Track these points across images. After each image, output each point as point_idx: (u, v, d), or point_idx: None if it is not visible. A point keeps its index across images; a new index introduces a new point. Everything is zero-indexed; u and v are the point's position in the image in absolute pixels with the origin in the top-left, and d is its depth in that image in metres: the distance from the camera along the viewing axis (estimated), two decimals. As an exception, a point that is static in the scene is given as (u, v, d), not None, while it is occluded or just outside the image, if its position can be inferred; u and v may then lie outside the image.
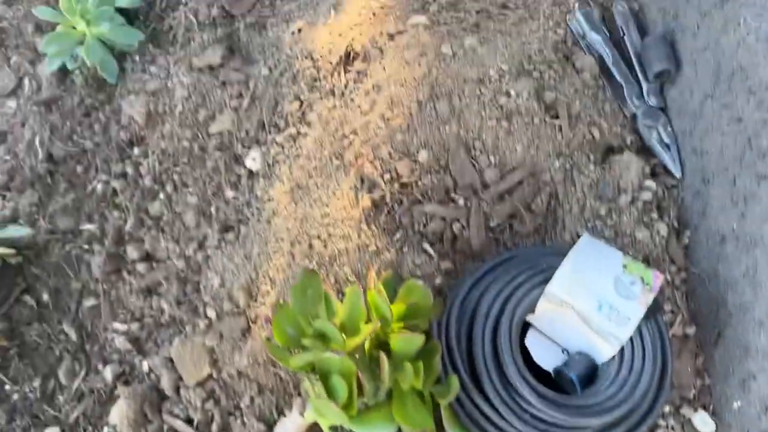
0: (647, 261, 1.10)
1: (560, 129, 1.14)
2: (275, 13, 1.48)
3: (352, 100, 1.26)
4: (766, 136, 0.96)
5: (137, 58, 1.53)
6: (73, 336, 1.34)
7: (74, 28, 1.48)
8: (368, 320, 0.98)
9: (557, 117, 1.15)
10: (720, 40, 1.06)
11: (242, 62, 1.42)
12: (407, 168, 1.15)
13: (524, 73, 1.18)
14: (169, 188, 1.39)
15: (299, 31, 1.41)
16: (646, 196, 1.13)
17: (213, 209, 1.34)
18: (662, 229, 1.12)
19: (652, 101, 1.19)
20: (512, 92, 1.15)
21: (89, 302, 1.36)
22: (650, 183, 1.14)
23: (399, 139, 1.17)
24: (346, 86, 1.29)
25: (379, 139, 1.17)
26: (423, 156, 1.15)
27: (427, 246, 1.13)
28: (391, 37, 1.29)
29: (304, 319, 0.98)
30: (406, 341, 0.95)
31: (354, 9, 1.40)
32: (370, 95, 1.23)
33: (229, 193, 1.34)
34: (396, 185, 1.14)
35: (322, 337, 0.95)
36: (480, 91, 1.16)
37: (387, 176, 1.16)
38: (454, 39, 1.25)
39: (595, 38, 1.23)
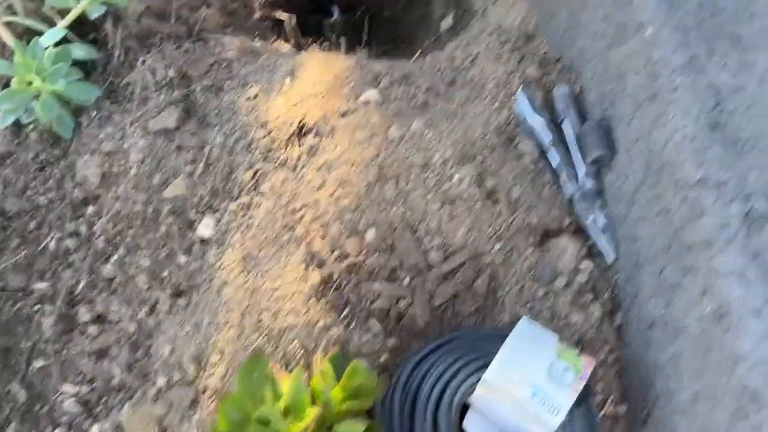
0: (581, 342, 1.15)
1: (500, 213, 1.19)
2: (232, 75, 1.49)
3: (304, 175, 1.29)
4: (690, 230, 1.02)
5: (93, 113, 1.52)
6: (22, 397, 1.34)
7: (30, 83, 1.47)
8: (314, 402, 1.01)
9: (497, 202, 1.20)
10: (652, 132, 1.11)
11: (198, 126, 1.44)
12: (355, 246, 1.18)
13: (467, 158, 1.22)
14: (122, 250, 1.39)
15: (255, 96, 1.43)
16: (582, 278, 1.18)
17: (165, 273, 1.35)
18: (596, 310, 1.17)
19: (589, 185, 1.23)
20: (455, 177, 1.19)
21: (39, 363, 1.37)
22: (587, 264, 1.19)
23: (348, 218, 1.20)
24: (298, 159, 1.32)
25: (329, 216, 1.21)
26: (371, 235, 1.19)
27: (373, 323, 1.16)
28: (343, 114, 1.33)
29: (250, 402, 1.01)
30: (349, 427, 0.98)
31: (309, 77, 1.43)
32: (321, 172, 1.26)
33: (182, 259, 1.35)
34: (344, 263, 1.18)
35: (266, 424, 0.98)
36: (425, 175, 1.21)
37: (336, 253, 1.19)
38: (402, 120, 1.29)
39: (537, 121, 1.27)
